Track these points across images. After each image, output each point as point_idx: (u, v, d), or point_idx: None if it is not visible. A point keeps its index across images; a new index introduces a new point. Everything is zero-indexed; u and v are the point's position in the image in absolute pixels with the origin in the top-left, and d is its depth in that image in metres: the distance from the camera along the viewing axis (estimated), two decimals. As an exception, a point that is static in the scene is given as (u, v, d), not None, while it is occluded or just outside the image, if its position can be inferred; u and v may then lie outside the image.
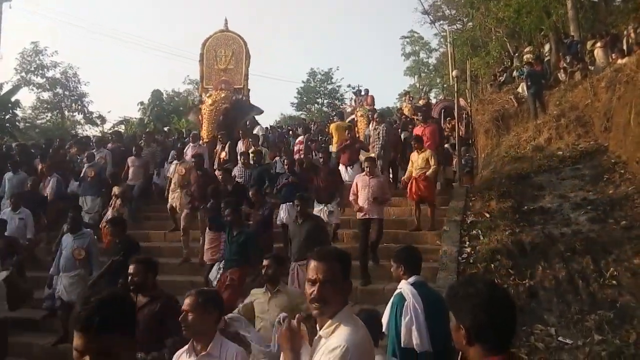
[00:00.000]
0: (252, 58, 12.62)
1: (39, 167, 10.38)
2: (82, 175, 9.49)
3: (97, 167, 9.53)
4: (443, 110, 16.66)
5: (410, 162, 8.20)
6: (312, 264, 1.82)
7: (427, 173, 7.81)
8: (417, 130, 9.09)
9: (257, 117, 13.47)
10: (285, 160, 9.34)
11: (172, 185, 8.90)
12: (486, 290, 1.54)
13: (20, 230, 7.64)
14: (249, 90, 12.74)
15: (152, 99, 32.79)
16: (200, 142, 11.44)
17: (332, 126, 11.22)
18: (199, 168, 8.25)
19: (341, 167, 8.80)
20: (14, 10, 32.92)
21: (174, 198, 8.77)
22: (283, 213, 7.73)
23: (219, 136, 11.06)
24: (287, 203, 7.57)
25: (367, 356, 1.80)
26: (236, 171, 8.77)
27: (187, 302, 2.64)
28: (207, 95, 11.89)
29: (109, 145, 11.66)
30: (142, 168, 10.03)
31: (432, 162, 7.85)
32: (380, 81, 75.12)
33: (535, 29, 17.49)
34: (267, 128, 17.15)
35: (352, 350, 1.68)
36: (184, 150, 10.31)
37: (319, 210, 7.42)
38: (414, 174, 7.91)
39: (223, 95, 11.65)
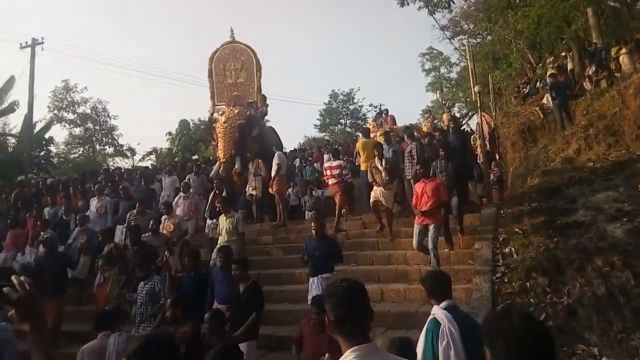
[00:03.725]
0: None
1: (28, 222, 9.87)
2: (71, 239, 8.92)
3: (89, 233, 8.83)
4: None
5: None
6: None
7: None
8: (418, 187, 7.36)
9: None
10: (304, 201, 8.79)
11: None
12: (520, 326, 1.51)
13: None
14: (267, 105, 12.02)
15: (179, 128, 33.61)
16: (218, 161, 10.91)
17: (359, 144, 10.70)
18: (134, 243, 7.31)
19: None
20: (46, 51, 34.32)
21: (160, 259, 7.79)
22: (315, 291, 5.98)
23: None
24: (319, 276, 6.09)
25: None
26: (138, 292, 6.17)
27: None
28: (220, 113, 11.30)
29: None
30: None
31: None
32: (402, 99, 74.95)
33: (556, 39, 17.30)
34: (285, 153, 17.05)
35: None
36: (174, 202, 9.68)
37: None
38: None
39: (236, 111, 10.97)
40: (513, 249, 6.99)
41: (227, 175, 10.56)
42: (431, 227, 6.94)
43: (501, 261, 6.80)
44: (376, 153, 8.95)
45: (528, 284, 6.07)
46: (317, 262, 6.17)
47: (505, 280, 6.31)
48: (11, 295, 1.47)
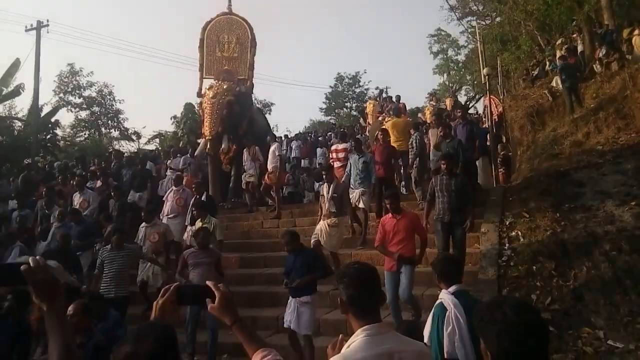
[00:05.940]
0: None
1: None
2: (50, 237, 7.81)
3: (66, 228, 7.71)
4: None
5: None
6: None
7: None
8: (389, 223, 5.69)
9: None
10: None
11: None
12: (512, 315, 1.46)
13: None
14: (253, 85, 11.48)
15: (184, 112, 33.49)
16: (202, 139, 10.40)
17: (389, 124, 9.72)
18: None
19: None
20: (51, 34, 34.19)
21: (145, 269, 7.17)
22: (289, 316, 5.32)
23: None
24: (296, 299, 5.26)
25: None
26: None
27: None
28: (208, 87, 10.69)
29: (98, 182, 10.32)
30: None
31: None
32: (409, 81, 74.53)
33: (566, 20, 17.00)
34: (280, 138, 16.51)
35: None
36: (164, 197, 8.81)
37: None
38: None
39: (225, 86, 10.38)
40: (520, 233, 6.96)
41: (214, 153, 10.16)
42: (403, 271, 5.43)
43: (507, 244, 6.78)
44: (324, 175, 7.63)
45: (534, 267, 6.06)
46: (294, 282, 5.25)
47: (512, 263, 6.30)
48: (27, 273, 1.42)
